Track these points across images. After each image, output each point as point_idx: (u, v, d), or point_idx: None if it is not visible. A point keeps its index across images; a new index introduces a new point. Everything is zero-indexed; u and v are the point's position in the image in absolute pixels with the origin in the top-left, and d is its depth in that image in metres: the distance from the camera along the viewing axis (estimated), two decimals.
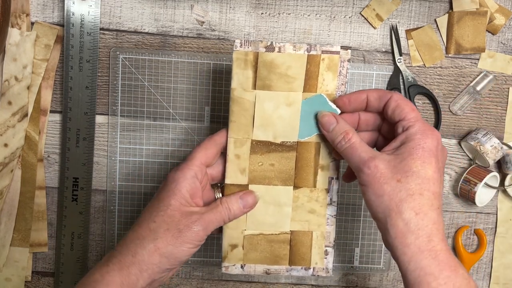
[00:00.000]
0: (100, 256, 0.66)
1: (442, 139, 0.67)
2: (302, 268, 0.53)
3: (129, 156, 0.64)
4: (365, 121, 0.51)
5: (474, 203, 0.65)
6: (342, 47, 0.50)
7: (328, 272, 0.53)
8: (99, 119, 0.64)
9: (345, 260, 0.68)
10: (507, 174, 0.68)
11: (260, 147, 0.51)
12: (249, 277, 0.67)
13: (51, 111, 0.63)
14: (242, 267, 0.52)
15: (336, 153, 0.51)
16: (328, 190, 0.52)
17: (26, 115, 0.61)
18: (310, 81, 0.50)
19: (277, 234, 0.52)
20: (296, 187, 0.51)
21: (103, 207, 0.65)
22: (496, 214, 0.69)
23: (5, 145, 0.61)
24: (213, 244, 0.66)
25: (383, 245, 0.67)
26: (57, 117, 0.63)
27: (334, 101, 0.50)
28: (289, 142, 0.51)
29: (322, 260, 0.53)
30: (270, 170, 0.51)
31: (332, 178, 0.52)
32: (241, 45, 0.49)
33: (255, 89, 0.50)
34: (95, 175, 0.64)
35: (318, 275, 0.53)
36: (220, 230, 0.52)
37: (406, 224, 0.42)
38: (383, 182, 0.44)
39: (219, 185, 0.52)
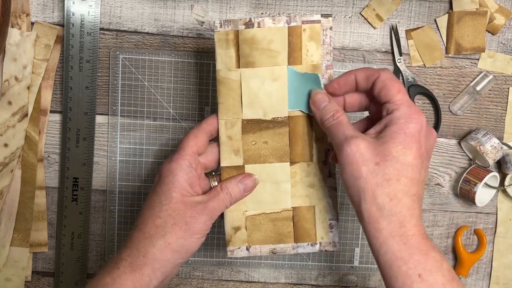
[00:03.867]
0: (101, 256, 0.66)
1: (442, 139, 0.67)
2: (308, 244, 0.51)
3: (129, 156, 0.64)
4: (350, 103, 0.50)
5: (474, 203, 0.65)
6: (322, 15, 0.49)
7: (336, 246, 0.51)
8: (99, 119, 0.64)
9: (345, 260, 0.68)
10: (507, 174, 0.68)
11: (251, 126, 0.50)
12: (248, 276, 0.67)
13: (51, 111, 0.63)
14: (247, 249, 0.51)
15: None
16: (325, 163, 0.51)
17: (26, 115, 0.61)
18: (294, 53, 0.49)
19: (279, 212, 0.51)
20: (292, 162, 0.50)
21: (103, 207, 0.65)
22: (496, 214, 0.69)
23: (5, 145, 0.61)
24: (213, 244, 0.66)
25: None
26: (57, 117, 0.63)
27: (325, 87, 0.49)
28: (280, 117, 0.50)
29: (327, 234, 0.51)
30: (264, 148, 0.50)
31: (329, 150, 0.50)
32: (221, 25, 0.49)
33: (239, 67, 0.49)
34: (95, 175, 0.64)
35: (325, 250, 0.51)
36: (222, 215, 0.51)
37: (380, 209, 0.42)
38: (361, 163, 0.42)
39: (213, 173, 0.51)
